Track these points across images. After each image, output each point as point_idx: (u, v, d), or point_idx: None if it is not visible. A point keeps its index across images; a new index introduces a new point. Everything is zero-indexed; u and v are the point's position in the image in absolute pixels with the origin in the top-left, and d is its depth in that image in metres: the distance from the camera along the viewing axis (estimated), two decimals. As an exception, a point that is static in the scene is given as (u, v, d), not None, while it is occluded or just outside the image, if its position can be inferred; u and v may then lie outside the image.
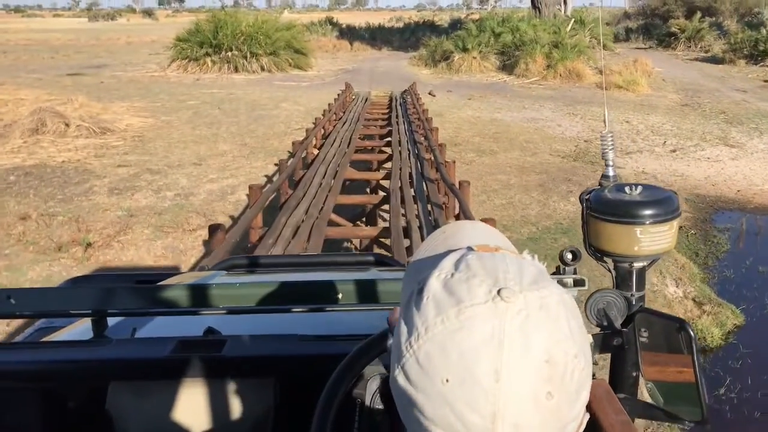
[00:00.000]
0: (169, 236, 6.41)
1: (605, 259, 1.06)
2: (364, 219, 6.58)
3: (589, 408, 0.61)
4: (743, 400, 4.27)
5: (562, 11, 26.53)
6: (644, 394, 1.03)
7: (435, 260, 0.63)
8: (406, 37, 35.37)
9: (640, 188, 1.04)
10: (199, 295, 1.35)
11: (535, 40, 21.41)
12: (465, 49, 22.27)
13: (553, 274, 0.98)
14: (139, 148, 10.31)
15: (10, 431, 1.21)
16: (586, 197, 1.07)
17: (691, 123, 13.56)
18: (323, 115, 10.82)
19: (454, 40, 23.31)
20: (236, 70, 21.10)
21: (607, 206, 1.03)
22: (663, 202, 1.02)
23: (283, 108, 14.48)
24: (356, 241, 5.88)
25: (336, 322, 1.49)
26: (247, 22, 22.16)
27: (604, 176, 1.10)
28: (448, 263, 0.61)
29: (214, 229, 4.25)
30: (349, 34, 36.56)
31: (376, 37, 36.37)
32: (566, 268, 0.99)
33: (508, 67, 21.51)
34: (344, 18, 49.03)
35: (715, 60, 26.26)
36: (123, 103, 14.53)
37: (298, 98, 15.88)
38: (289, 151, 9.05)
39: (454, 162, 7.17)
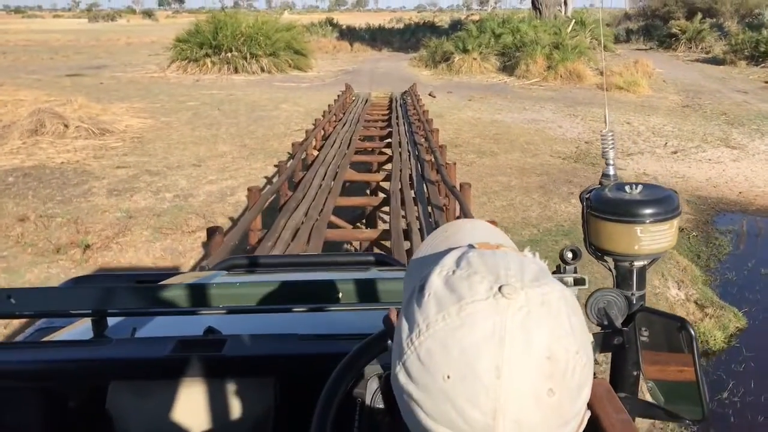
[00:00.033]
0: (168, 238, 6.40)
1: (605, 258, 1.06)
2: (364, 221, 6.54)
3: (589, 407, 0.61)
4: (746, 405, 4.23)
5: (563, 12, 26.55)
6: (645, 393, 1.03)
7: (436, 258, 0.63)
8: (407, 38, 35.38)
9: (640, 187, 1.04)
10: (199, 295, 1.35)
11: (535, 41, 21.41)
12: (465, 50, 22.27)
13: (554, 273, 0.97)
14: (139, 149, 10.30)
15: (11, 431, 1.21)
16: (587, 196, 1.07)
17: (692, 124, 13.55)
18: (323, 116, 10.81)
19: (455, 41, 23.32)
20: (236, 71, 21.10)
21: (607, 205, 1.03)
22: (663, 201, 1.02)
23: (282, 109, 14.48)
24: (356, 244, 5.87)
25: (336, 322, 1.49)
26: (247, 23, 22.17)
27: (605, 175, 1.10)
28: (449, 260, 0.61)
29: (212, 231, 4.21)
30: (349, 35, 36.57)
31: (377, 38, 36.39)
32: (567, 267, 0.99)
33: (508, 68, 21.51)
34: (344, 19, 49.05)
35: (715, 61, 26.26)
36: (122, 104, 14.53)
37: (298, 99, 15.88)
38: (288, 153, 9.04)
39: (455, 164, 7.16)
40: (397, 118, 10.79)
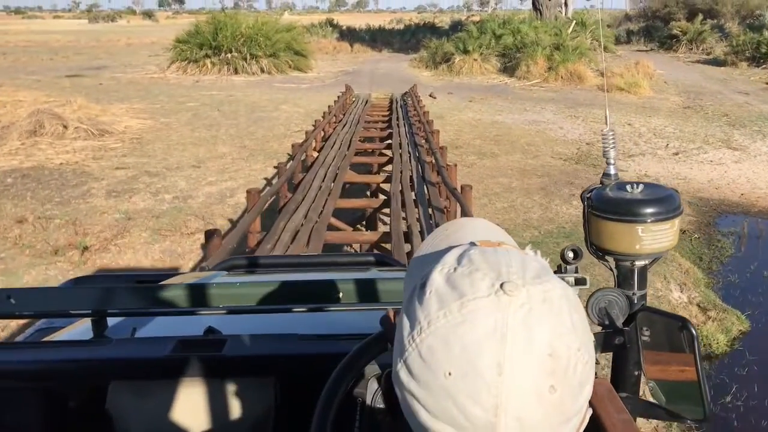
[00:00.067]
0: (167, 239, 6.38)
1: (607, 257, 1.06)
2: (364, 223, 6.51)
3: (591, 406, 0.61)
4: (750, 408, 4.18)
5: (563, 13, 26.59)
6: (646, 393, 1.03)
7: (437, 255, 0.63)
8: (407, 38, 35.43)
9: (641, 186, 1.04)
10: (199, 295, 1.35)
11: (536, 42, 21.41)
12: (466, 51, 22.27)
13: (555, 273, 0.97)
14: (138, 150, 10.30)
15: (11, 431, 1.21)
16: (588, 195, 1.07)
17: (694, 126, 13.54)
18: (323, 117, 10.80)
19: (455, 42, 23.32)
20: (236, 71, 21.11)
21: (608, 204, 1.03)
22: (664, 201, 1.02)
23: (282, 110, 14.48)
24: (356, 246, 5.85)
25: (336, 322, 1.49)
26: (247, 23, 22.18)
27: (606, 174, 1.10)
28: (450, 258, 0.61)
29: (210, 234, 4.17)
30: (350, 35, 36.58)
31: (377, 38, 36.41)
32: (568, 266, 0.99)
33: (509, 69, 21.51)
34: (344, 20, 49.07)
35: (716, 62, 26.26)
36: (122, 104, 14.52)
37: (298, 100, 15.88)
38: (288, 154, 9.03)
39: (456, 165, 7.15)
40: (397, 119, 10.78)
